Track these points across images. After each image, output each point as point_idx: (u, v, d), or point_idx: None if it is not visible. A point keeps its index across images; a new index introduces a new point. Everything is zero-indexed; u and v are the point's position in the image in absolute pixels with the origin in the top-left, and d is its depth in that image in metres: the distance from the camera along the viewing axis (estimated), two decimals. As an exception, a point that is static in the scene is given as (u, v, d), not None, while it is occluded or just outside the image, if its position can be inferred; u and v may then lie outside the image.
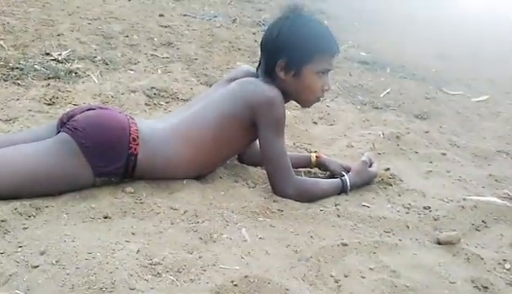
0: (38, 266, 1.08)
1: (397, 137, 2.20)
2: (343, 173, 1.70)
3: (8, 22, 3.29)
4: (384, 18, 6.08)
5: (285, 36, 1.54)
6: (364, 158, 1.73)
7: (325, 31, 1.58)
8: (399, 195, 1.73)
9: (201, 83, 2.79)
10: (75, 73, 2.56)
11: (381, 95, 2.95)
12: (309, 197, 1.57)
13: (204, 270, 1.14)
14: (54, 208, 1.33)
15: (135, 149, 1.45)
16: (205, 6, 5.37)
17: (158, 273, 1.11)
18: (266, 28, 1.63)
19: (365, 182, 1.71)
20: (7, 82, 2.33)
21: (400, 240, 1.42)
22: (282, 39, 1.54)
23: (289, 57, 1.54)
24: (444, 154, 2.13)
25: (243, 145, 1.66)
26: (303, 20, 1.57)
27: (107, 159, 1.42)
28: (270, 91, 1.53)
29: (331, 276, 1.21)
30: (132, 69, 2.85)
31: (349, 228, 1.45)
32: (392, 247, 1.38)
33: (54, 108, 2.12)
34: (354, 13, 6.10)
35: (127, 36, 3.52)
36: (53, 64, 2.65)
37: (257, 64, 1.67)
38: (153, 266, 1.13)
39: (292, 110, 2.36)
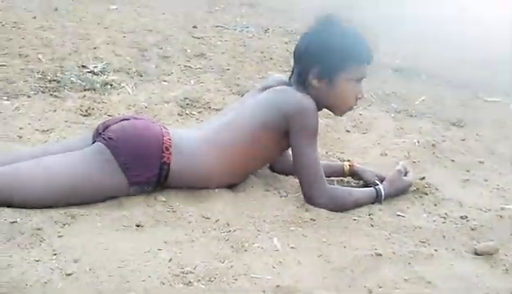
0: (71, 274, 1.10)
1: (433, 145, 2.15)
2: (377, 182, 1.67)
3: (46, 36, 3.39)
4: (420, 25, 5.98)
5: (318, 43, 1.53)
6: (399, 167, 1.69)
7: (359, 38, 1.56)
8: (435, 204, 1.68)
9: (233, 93, 2.80)
10: (110, 85, 2.61)
11: (416, 103, 2.89)
12: (342, 206, 1.54)
13: (236, 279, 1.14)
14: (88, 216, 1.35)
15: (168, 158, 1.46)
16: (237, 17, 5.42)
17: (189, 282, 1.12)
18: (298, 37, 1.63)
19: (399, 191, 1.68)
20: (45, 94, 2.39)
21: (436, 250, 1.38)
22: (316, 47, 1.54)
23: (322, 65, 1.53)
24: (481, 163, 2.07)
25: (275, 154, 1.65)
26: (337, 27, 1.56)
27: (140, 168, 1.44)
28: (303, 99, 1.52)
29: (365, 287, 1.19)
30: (165, 81, 2.89)
31: (383, 238, 1.42)
32: (428, 258, 1.34)
33: (90, 119, 2.16)
34: (390, 20, 6.03)
35: (161, 48, 3.57)
36: (89, 76, 2.72)
37: (289, 73, 1.67)
38: (185, 275, 1.14)
39: (324, 118, 2.34)
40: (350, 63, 1.54)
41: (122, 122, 1.50)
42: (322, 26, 1.59)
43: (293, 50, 1.66)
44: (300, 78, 1.59)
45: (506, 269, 1.32)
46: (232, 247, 1.28)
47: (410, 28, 5.66)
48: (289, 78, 1.66)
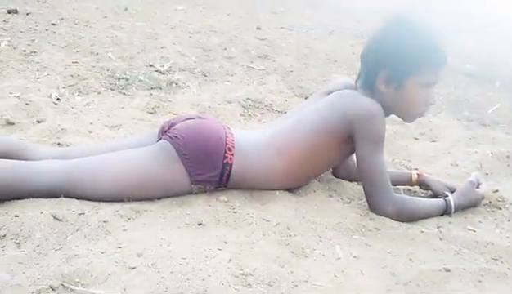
0: (134, 268, 1.11)
1: (508, 157, 2.02)
2: (447, 193, 1.58)
3: (116, 35, 3.52)
4: (493, 28, 5.70)
5: (388, 45, 1.47)
6: (471, 178, 1.60)
7: (431, 40, 1.48)
8: (509, 220, 1.57)
9: (296, 95, 2.78)
10: (176, 84, 2.66)
11: (489, 111, 2.74)
12: (409, 216, 1.47)
13: (296, 285, 1.11)
14: (152, 212, 1.37)
15: (230, 158, 1.46)
16: (302, 18, 5.39)
17: (249, 285, 1.10)
18: (364, 39, 1.56)
19: (471, 204, 1.58)
20: (114, 91, 2.47)
21: (509, 269, 1.29)
22: (385, 49, 1.47)
23: (391, 69, 1.47)
24: (561, 178, 1.92)
25: (338, 159, 1.61)
26: (407, 27, 1.49)
27: (203, 167, 1.44)
28: (370, 105, 1.47)
29: (432, 303, 1.12)
30: (228, 81, 2.91)
31: (453, 252, 1.34)
32: (501, 276, 1.25)
33: (155, 116, 2.21)
34: (461, 22, 5.79)
35: (225, 48, 3.61)
36: (156, 75, 2.78)
37: (356, 77, 1.62)
38: (244, 277, 1.12)
39: (391, 124, 2.26)
40: (422, 66, 1.46)
41: (187, 120, 1.51)
42: (392, 27, 1.51)
43: (358, 53, 1.60)
44: (367, 82, 1.54)
45: None
46: (293, 252, 1.25)
47: (483, 30, 5.41)
48: (356, 82, 1.61)
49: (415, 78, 1.47)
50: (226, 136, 1.48)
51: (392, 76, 1.48)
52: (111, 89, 2.49)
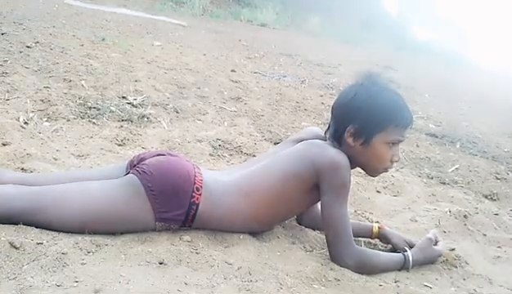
0: (91, 304, 1.09)
1: (465, 216, 2.09)
2: (406, 248, 1.62)
3: (91, 64, 3.51)
4: (458, 92, 5.97)
5: (358, 102, 1.52)
6: (430, 235, 1.65)
7: (399, 101, 1.55)
8: (464, 279, 1.62)
9: (265, 139, 2.82)
10: (147, 118, 2.67)
11: (449, 171, 2.84)
12: (369, 269, 1.50)
13: (254, 333, 1.10)
14: (113, 247, 1.35)
15: (197, 198, 1.46)
16: (275, 65, 5.52)
17: (207, 330, 1.09)
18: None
19: (428, 261, 1.62)
20: (84, 120, 2.45)
21: (463, 329, 1.32)
22: (355, 105, 1.53)
23: (360, 124, 1.52)
24: (515, 241, 2.00)
25: (303, 207, 1.63)
26: (378, 88, 1.55)
27: (169, 205, 1.44)
28: (336, 155, 1.51)
29: None
30: (200, 120, 2.93)
31: (409, 308, 1.36)
32: (455, 336, 1.28)
33: (124, 149, 2.20)
34: (426, 84, 6.04)
35: (199, 87, 3.65)
36: (128, 107, 2.78)
37: (324, 126, 1.66)
38: (202, 321, 1.11)
39: (355, 176, 2.32)
40: (389, 125, 1.52)
41: (157, 156, 1.52)
42: (363, 84, 1.58)
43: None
44: (336, 134, 1.59)
45: None
46: (253, 298, 1.25)
47: (448, 95, 5.65)
48: (325, 132, 1.66)
49: (382, 136, 1.52)
50: (195, 176, 1.49)
51: (359, 131, 1.53)
52: (81, 117, 2.47)
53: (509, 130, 4.27)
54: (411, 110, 1.58)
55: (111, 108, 2.66)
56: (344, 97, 1.58)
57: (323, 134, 1.67)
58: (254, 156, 2.46)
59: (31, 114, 2.29)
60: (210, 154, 2.38)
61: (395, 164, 1.68)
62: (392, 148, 1.55)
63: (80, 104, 2.63)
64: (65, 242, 1.31)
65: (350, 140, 1.54)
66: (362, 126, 1.52)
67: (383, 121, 1.51)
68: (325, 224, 1.53)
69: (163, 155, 1.54)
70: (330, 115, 1.64)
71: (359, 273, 1.48)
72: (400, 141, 1.57)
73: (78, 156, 2.00)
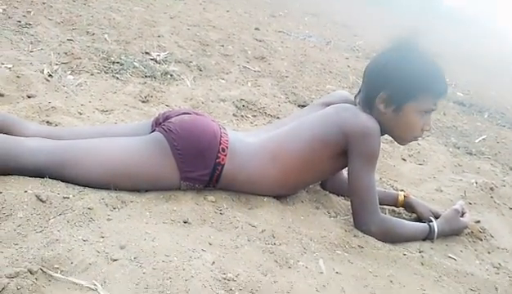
0: (117, 260, 1.09)
1: (491, 189, 2.05)
2: (432, 218, 1.59)
3: (114, 18, 3.47)
4: (486, 61, 5.79)
5: (392, 68, 1.47)
6: (456, 206, 1.62)
7: (434, 69, 1.48)
8: (489, 252, 1.59)
9: (289, 101, 2.77)
10: (170, 75, 2.63)
11: (476, 141, 2.78)
12: (393, 237, 1.48)
13: (278, 296, 1.10)
14: (138, 204, 1.34)
15: (222, 159, 1.44)
16: (300, 25, 5.39)
17: (231, 290, 1.09)
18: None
19: (454, 232, 1.60)
20: (107, 75, 2.43)
21: (486, 302, 1.30)
22: (388, 71, 1.47)
23: (392, 91, 1.47)
24: (541, 215, 1.96)
25: (330, 172, 1.60)
26: (413, 54, 1.49)
27: (195, 165, 1.42)
28: (367, 121, 1.47)
29: (409, 328, 1.13)
30: (223, 79, 2.89)
31: (433, 279, 1.35)
32: (478, 309, 1.27)
33: (148, 105, 2.18)
34: (454, 51, 5.87)
35: (222, 45, 3.59)
36: (151, 63, 2.75)
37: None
38: (226, 281, 1.11)
39: (381, 143, 2.27)
40: (422, 94, 1.47)
41: (183, 115, 1.49)
42: (399, 50, 1.51)
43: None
44: (367, 99, 1.54)
45: None
46: (276, 261, 1.25)
47: (478, 63, 5.49)
48: (355, 97, 1.61)
49: (414, 104, 1.47)
50: (221, 136, 1.46)
51: (391, 98, 1.48)
52: (105, 72, 2.45)
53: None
54: (446, 81, 1.52)
55: (134, 63, 2.63)
56: (378, 62, 1.52)
57: (352, 98, 1.62)
58: (278, 118, 2.42)
59: (55, 67, 2.28)
60: (234, 114, 2.35)
61: (425, 133, 1.64)
62: (424, 116, 1.50)
63: (103, 58, 2.61)
64: (91, 197, 1.31)
65: (381, 107, 1.50)
66: (394, 93, 1.47)
67: (416, 89, 1.46)
68: (351, 191, 1.50)
69: (189, 114, 1.51)
70: (362, 79, 1.59)
71: (383, 241, 1.46)
72: (432, 110, 1.52)
73: (103, 111, 1.98)
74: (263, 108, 2.51)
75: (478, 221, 1.74)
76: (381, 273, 1.31)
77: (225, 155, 1.45)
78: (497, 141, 2.83)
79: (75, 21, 3.12)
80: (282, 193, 1.56)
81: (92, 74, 2.36)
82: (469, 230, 1.66)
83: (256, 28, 4.47)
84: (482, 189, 2.03)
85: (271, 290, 1.11)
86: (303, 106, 2.59)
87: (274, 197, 1.55)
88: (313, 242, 1.37)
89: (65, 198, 1.27)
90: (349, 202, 1.54)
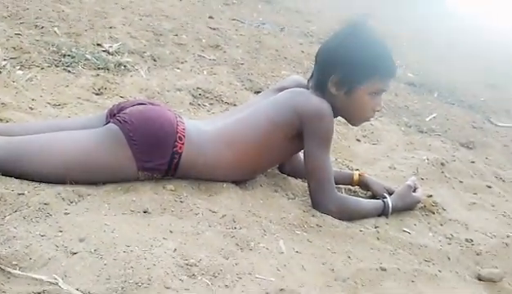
0: (76, 253, 1.09)
1: (442, 164, 2.14)
2: (386, 195, 1.66)
3: (63, 10, 3.37)
4: (436, 41, 5.97)
5: (342, 51, 1.50)
6: (409, 182, 1.68)
7: (384, 51, 1.52)
8: (441, 224, 1.67)
9: (246, 88, 2.78)
10: (124, 67, 2.59)
11: (427, 119, 2.88)
12: (349, 215, 1.53)
13: (240, 278, 1.13)
14: (96, 197, 1.34)
15: (180, 147, 1.45)
16: (254, 12, 5.39)
17: (193, 275, 1.10)
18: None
19: (407, 207, 1.66)
20: (58, 68, 2.37)
21: (440, 271, 1.37)
22: (339, 54, 1.51)
23: (343, 73, 1.50)
24: (489, 187, 2.06)
25: (286, 155, 1.64)
26: (364, 36, 1.52)
27: (152, 155, 1.42)
28: (320, 104, 1.50)
29: (368, 300, 1.18)
30: (178, 68, 2.87)
31: (388, 252, 1.41)
32: (432, 278, 1.33)
33: (102, 98, 2.15)
34: (404, 33, 6.02)
35: (176, 35, 3.55)
36: (103, 55, 2.69)
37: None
38: (189, 267, 1.12)
39: (335, 125, 2.32)
40: (373, 76, 1.51)
41: (138, 105, 1.49)
42: (348, 32, 1.54)
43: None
44: (319, 83, 1.57)
45: (509, 299, 1.31)
46: (237, 244, 1.27)
47: (427, 43, 5.65)
48: (308, 81, 1.64)
49: (365, 86, 1.51)
50: (178, 125, 1.47)
51: (343, 80, 1.52)
52: (55, 65, 2.39)
53: (486, 79, 4.33)
54: (396, 62, 1.57)
55: (86, 55, 2.57)
56: (329, 46, 1.56)
57: (305, 82, 1.66)
58: (235, 105, 2.44)
59: (3, 62, 2.20)
60: (190, 103, 2.35)
61: (377, 114, 1.69)
62: (375, 98, 1.55)
63: (54, 51, 2.54)
64: (47, 192, 1.29)
65: (333, 89, 1.54)
66: (346, 75, 1.51)
67: (366, 71, 1.50)
68: (307, 172, 1.54)
69: (144, 104, 1.51)
70: (314, 63, 1.62)
71: (340, 219, 1.51)
72: (383, 91, 1.57)
73: (55, 105, 1.94)
74: (220, 96, 2.52)
75: (430, 196, 1.82)
76: (339, 250, 1.36)
77: (182, 143, 1.46)
78: (447, 119, 2.95)
79: (23, 15, 3.01)
80: (240, 178, 1.59)
81: (42, 68, 2.30)
82: (422, 204, 1.73)
83: (210, 17, 4.44)
84: (433, 165, 2.12)
85: (233, 272, 1.14)
86: (259, 93, 2.61)
87: (233, 182, 1.57)
88: (273, 224, 1.40)
89: (20, 194, 1.25)
90: (307, 184, 1.58)
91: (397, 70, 1.55)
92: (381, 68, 1.51)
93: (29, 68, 2.27)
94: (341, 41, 1.52)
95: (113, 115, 1.48)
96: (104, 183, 1.41)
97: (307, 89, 1.61)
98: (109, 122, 1.46)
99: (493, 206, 1.89)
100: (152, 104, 1.53)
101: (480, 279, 1.38)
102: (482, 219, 1.76)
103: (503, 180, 2.21)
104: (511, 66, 5.37)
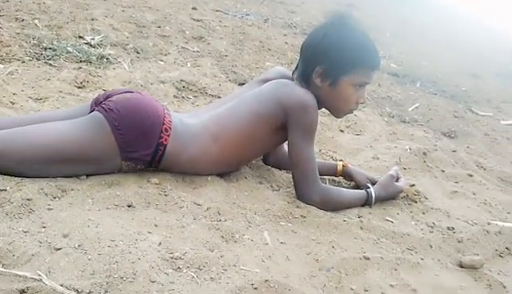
0: (60, 249, 1.08)
1: (424, 154, 2.16)
2: (369, 185, 1.67)
3: (44, 2, 3.32)
4: (419, 31, 6.01)
5: (327, 43, 1.51)
6: (391, 172, 1.70)
7: (368, 44, 1.54)
8: (423, 213, 1.70)
9: (230, 80, 2.78)
10: (107, 59, 2.57)
11: (409, 109, 2.91)
12: (333, 206, 1.55)
13: (225, 270, 1.13)
14: (79, 192, 1.33)
15: (165, 139, 1.44)
16: (238, 3, 5.37)
17: (178, 268, 1.11)
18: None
19: (390, 196, 1.69)
20: (40, 62, 2.34)
21: (422, 259, 1.40)
22: (324, 46, 1.51)
23: (328, 65, 1.51)
24: (470, 176, 2.09)
25: (270, 146, 1.65)
26: (348, 29, 1.54)
27: (137, 145, 1.41)
28: (304, 95, 1.51)
29: (351, 289, 1.20)
30: (162, 60, 2.85)
31: (372, 241, 1.43)
32: (414, 266, 1.36)
33: (84, 91, 2.13)
34: (388, 23, 6.05)
35: (159, 26, 3.52)
36: (85, 47, 2.67)
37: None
38: (174, 260, 1.13)
39: (319, 116, 2.34)
40: (357, 68, 1.52)
41: (125, 93, 1.47)
42: (333, 25, 1.55)
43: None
44: (304, 74, 1.58)
45: (490, 285, 1.34)
46: (222, 237, 1.28)
47: (409, 34, 5.69)
48: (293, 73, 1.65)
49: (349, 78, 1.52)
50: (165, 116, 1.46)
51: (327, 72, 1.52)
52: (37, 59, 2.36)
53: (468, 69, 4.37)
54: (380, 55, 1.58)
55: (68, 48, 2.55)
56: (314, 37, 1.56)
57: (290, 74, 1.66)
58: (219, 97, 2.43)
59: (-18, 56, 2.17)
60: (174, 96, 2.34)
61: (360, 105, 1.70)
62: (359, 90, 1.56)
63: (34, 44, 2.50)
64: (30, 188, 1.28)
65: (318, 81, 1.54)
66: (330, 67, 1.52)
67: (351, 63, 1.51)
68: (292, 163, 1.55)
69: (132, 92, 1.49)
70: (299, 55, 1.62)
71: (324, 209, 1.52)
72: (367, 83, 1.58)
73: (37, 99, 1.92)
74: (204, 88, 2.51)
75: (413, 185, 1.85)
76: (323, 240, 1.37)
77: (168, 135, 1.45)
78: (429, 109, 2.98)
79: (2, 7, 2.97)
80: (225, 171, 1.59)
81: (23, 62, 2.27)
82: (405, 194, 1.75)
83: (193, 8, 4.41)
84: (415, 155, 2.15)
85: (218, 264, 1.14)
86: (244, 84, 2.61)
87: (218, 175, 1.57)
88: (258, 216, 1.41)
89: (1, 190, 1.24)
90: (291, 176, 1.59)
91: (380, 63, 1.56)
92: (366, 59, 1.53)
93: (9, 61, 2.23)
94: (326, 33, 1.53)
95: (99, 103, 1.46)
96: (87, 175, 1.40)
97: (292, 80, 1.61)
98: (94, 109, 1.45)
99: (474, 194, 1.92)
100: (140, 93, 1.52)
101: (462, 266, 1.41)
102: (463, 207, 1.79)
103: (484, 169, 2.24)
104: (493, 56, 5.44)
